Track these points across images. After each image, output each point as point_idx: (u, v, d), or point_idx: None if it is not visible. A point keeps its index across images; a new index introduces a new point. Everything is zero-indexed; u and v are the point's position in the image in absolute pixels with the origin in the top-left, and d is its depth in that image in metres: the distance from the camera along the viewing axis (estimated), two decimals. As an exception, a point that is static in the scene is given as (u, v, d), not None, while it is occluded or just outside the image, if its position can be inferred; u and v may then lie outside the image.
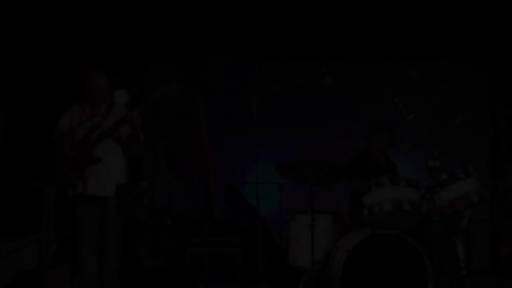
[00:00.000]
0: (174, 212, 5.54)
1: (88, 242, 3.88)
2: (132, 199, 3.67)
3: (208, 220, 4.82)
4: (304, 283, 4.19)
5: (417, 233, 4.10)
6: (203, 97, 4.50)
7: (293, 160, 4.32)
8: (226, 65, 6.41)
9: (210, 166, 4.82)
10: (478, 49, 6.58)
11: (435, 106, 4.68)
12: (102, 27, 5.69)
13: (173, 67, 6.06)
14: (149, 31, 5.96)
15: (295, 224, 4.50)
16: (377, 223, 4.04)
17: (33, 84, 5.74)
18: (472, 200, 3.91)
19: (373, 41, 6.50)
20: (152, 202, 5.94)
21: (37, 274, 4.42)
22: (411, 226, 4.07)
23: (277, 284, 4.99)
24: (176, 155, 6.17)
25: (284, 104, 6.27)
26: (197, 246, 4.98)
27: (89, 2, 5.39)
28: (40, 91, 5.72)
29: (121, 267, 3.98)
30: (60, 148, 3.88)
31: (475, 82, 6.55)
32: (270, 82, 4.65)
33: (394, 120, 4.79)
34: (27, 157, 5.52)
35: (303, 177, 4.32)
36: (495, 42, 6.44)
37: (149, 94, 3.98)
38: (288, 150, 5.99)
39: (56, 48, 5.76)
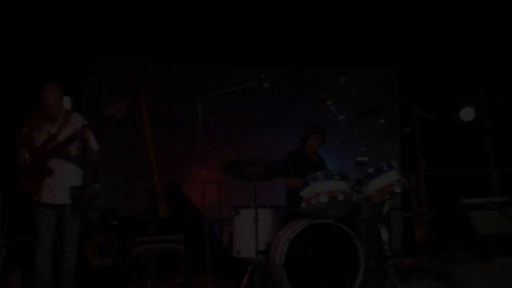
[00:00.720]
0: (118, 213, 5.66)
1: (44, 242, 3.99)
2: (85, 201, 3.83)
3: (154, 219, 5.00)
4: (250, 272, 4.53)
5: (349, 220, 4.59)
6: (146, 101, 4.67)
7: (237, 160, 4.57)
8: (170, 71, 6.60)
9: (155, 167, 5.01)
10: (389, 59, 7.42)
11: (359, 108, 5.21)
12: (44, 36, 5.65)
13: (115, 74, 6.15)
14: (91, 39, 6.00)
15: (238, 219, 4.82)
16: (314, 213, 4.49)
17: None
18: (395, 189, 4.50)
19: (305, 51, 7.08)
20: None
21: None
22: (344, 215, 4.56)
23: (223, 276, 5.28)
24: (118, 157, 6.27)
25: (226, 108, 6.61)
26: (143, 245, 5.18)
27: (31, 10, 5.34)
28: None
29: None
30: (20, 156, 3.97)
31: (387, 86, 7.34)
32: (213, 88, 4.94)
33: (325, 121, 5.31)
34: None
35: (247, 175, 4.63)
36: (402, 54, 7.32)
37: (97, 112, 4.10)
38: (230, 151, 6.31)
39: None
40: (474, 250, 6.08)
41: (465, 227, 6.14)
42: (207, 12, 6.26)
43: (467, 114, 7.63)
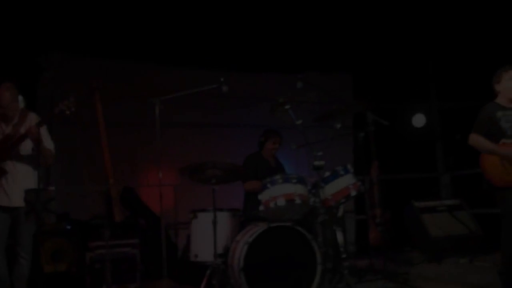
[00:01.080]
0: (72, 217, 5.53)
1: None
2: (40, 204, 3.73)
3: (109, 223, 4.91)
4: (208, 276, 4.52)
5: (306, 223, 4.68)
6: (102, 102, 4.59)
7: (195, 162, 4.54)
8: (128, 71, 6.51)
9: (110, 169, 4.93)
10: (344, 65, 7.61)
11: (316, 113, 5.31)
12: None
13: (70, 72, 6.01)
14: (44, 35, 5.84)
15: (196, 222, 4.80)
16: (272, 216, 4.53)
17: None
18: (351, 193, 4.61)
19: (263, 54, 7.15)
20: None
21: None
22: (302, 218, 4.64)
23: (180, 280, 5.24)
24: (72, 158, 6.12)
25: (185, 110, 6.57)
26: (97, 250, 5.08)
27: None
28: None
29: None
30: None
31: (343, 92, 7.51)
32: (172, 89, 4.91)
33: (282, 125, 5.38)
34: None
35: (205, 178, 4.62)
36: (357, 60, 7.52)
37: (49, 110, 4.02)
38: (188, 154, 6.28)
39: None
40: (426, 251, 6.30)
41: (417, 229, 6.35)
42: (166, 12, 6.22)
43: (418, 120, 7.91)
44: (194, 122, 6.95)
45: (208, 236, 4.54)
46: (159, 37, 6.48)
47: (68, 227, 5.30)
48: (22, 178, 3.94)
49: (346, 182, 4.62)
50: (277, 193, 4.46)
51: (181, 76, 6.74)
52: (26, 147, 3.95)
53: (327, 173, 4.67)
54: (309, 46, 7.37)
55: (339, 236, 4.84)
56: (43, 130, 3.97)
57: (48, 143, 4.05)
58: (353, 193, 4.62)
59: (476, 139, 4.30)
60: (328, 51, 7.51)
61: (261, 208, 4.51)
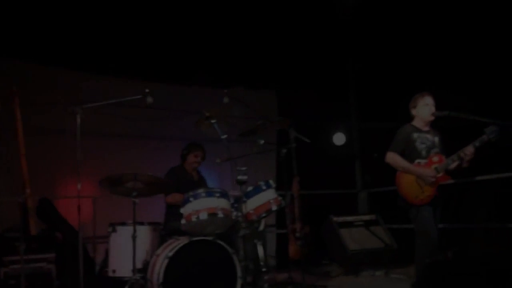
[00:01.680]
0: (-19, 230, 5.21)
1: None
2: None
3: (24, 236, 4.69)
4: (127, 291, 4.44)
5: (228, 237, 4.73)
6: (21, 108, 4.41)
7: (116, 174, 4.48)
8: (49, 77, 6.26)
9: (27, 178, 4.73)
10: (269, 82, 7.80)
11: (241, 128, 5.39)
12: None
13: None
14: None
15: (115, 236, 4.72)
16: (194, 230, 4.54)
17: None
18: (272, 207, 4.71)
19: (189, 67, 7.16)
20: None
21: None
22: (224, 232, 4.68)
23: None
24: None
25: (108, 120, 6.41)
26: (12, 265, 4.80)
27: None
28: None
29: None
30: None
31: (267, 108, 7.66)
32: (94, 98, 4.80)
33: (207, 138, 5.40)
34: None
35: (126, 190, 4.57)
36: (281, 78, 7.75)
37: None
38: (109, 165, 6.12)
39: None
40: (343, 264, 6.53)
41: (335, 243, 6.57)
42: (93, 17, 6.11)
43: (339, 138, 8.22)
44: (117, 132, 6.79)
45: (127, 250, 4.48)
46: (85, 43, 6.32)
47: (-22, 241, 4.98)
48: None
49: (267, 197, 4.72)
50: (200, 207, 4.48)
51: (105, 85, 6.58)
52: None
53: (250, 188, 4.75)
54: (236, 61, 7.51)
55: (260, 250, 4.92)
56: None
57: None
58: (274, 207, 4.72)
59: (393, 158, 4.60)
60: (255, 67, 7.70)
61: (183, 222, 4.51)
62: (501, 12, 6.69)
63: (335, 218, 6.65)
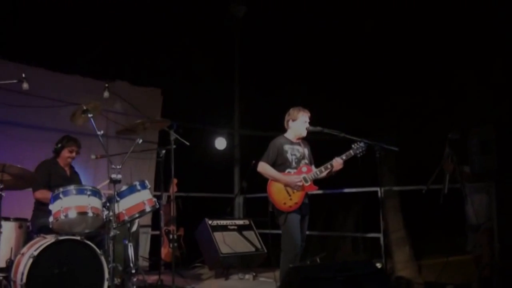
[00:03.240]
0: None
1: None
2: None
3: None
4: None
5: (97, 237, 4.71)
6: None
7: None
8: None
9: None
10: (155, 80, 7.80)
11: (121, 125, 5.35)
12: None
13: None
14: None
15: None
16: (62, 229, 4.46)
17: None
18: (145, 208, 4.77)
19: (74, 55, 6.85)
20: None
21: None
22: (93, 231, 4.65)
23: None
24: None
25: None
26: None
27: None
28: None
29: None
30: None
31: (152, 107, 7.65)
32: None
33: (83, 132, 5.29)
34: None
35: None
36: (167, 77, 7.79)
37: None
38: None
39: None
40: (214, 267, 6.73)
41: (208, 246, 6.74)
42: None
43: (220, 143, 8.42)
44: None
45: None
46: None
47: None
48: None
49: (141, 197, 4.78)
50: (69, 204, 4.43)
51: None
52: None
53: (124, 187, 4.77)
54: (122, 54, 7.38)
55: (130, 252, 4.94)
56: None
57: None
58: (148, 208, 4.79)
59: (263, 166, 4.93)
60: (142, 63, 7.63)
61: (51, 219, 4.42)
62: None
63: (209, 221, 6.83)
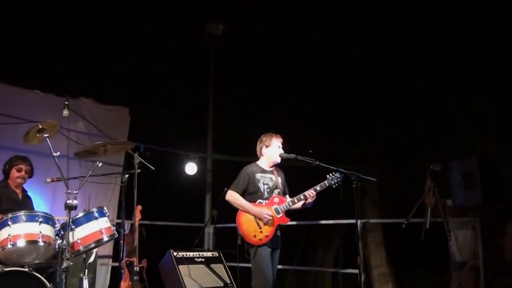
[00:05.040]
0: None
1: None
2: None
3: None
4: None
5: (48, 269, 4.49)
6: None
7: None
8: None
9: None
10: (123, 98, 7.67)
11: (81, 145, 5.19)
12: None
13: None
14: None
15: None
16: (9, 259, 4.25)
17: None
18: (102, 237, 4.56)
19: (33, 68, 6.69)
20: None
21: None
22: (44, 262, 4.42)
23: None
24: None
25: None
26: None
27: None
28: None
29: None
30: None
31: (118, 128, 7.44)
32: None
33: (38, 152, 5.10)
34: None
35: None
36: (136, 96, 7.67)
37: None
38: None
39: None
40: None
41: (173, 280, 6.52)
42: None
43: (190, 168, 8.25)
44: None
45: None
46: None
47: None
48: None
49: (99, 225, 4.56)
50: (18, 232, 4.22)
51: None
52: None
53: (80, 214, 4.56)
54: (87, 69, 7.25)
55: (85, 286, 4.74)
56: None
57: None
58: (106, 238, 4.57)
59: (232, 195, 4.80)
60: (109, 80, 7.50)
61: (-3, 248, 4.21)
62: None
63: (174, 253, 6.59)
